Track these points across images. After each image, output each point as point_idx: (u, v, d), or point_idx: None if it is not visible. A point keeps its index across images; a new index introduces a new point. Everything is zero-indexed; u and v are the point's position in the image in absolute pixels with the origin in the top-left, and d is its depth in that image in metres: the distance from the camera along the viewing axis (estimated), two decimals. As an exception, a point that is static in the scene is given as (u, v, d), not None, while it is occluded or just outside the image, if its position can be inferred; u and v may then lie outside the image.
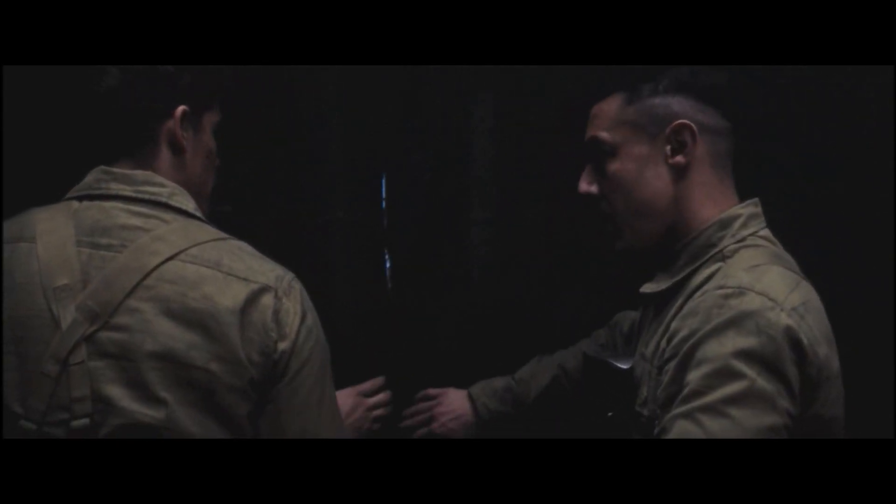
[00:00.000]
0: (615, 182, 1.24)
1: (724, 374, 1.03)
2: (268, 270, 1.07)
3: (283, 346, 1.04)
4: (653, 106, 1.22)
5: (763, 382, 1.02)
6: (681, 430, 1.03)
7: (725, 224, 1.19)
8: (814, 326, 1.08)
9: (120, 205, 1.07)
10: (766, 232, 1.22)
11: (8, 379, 1.00)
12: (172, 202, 1.09)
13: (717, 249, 1.18)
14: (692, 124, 1.20)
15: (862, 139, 1.65)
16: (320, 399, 1.09)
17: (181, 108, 1.11)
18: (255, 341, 1.03)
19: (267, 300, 1.04)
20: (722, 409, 1.02)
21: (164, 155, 1.12)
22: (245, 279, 1.05)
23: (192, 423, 1.01)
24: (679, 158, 1.20)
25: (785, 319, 1.05)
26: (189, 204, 1.11)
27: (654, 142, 1.21)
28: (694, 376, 1.05)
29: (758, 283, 1.08)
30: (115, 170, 1.10)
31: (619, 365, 1.31)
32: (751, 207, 1.22)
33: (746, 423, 1.01)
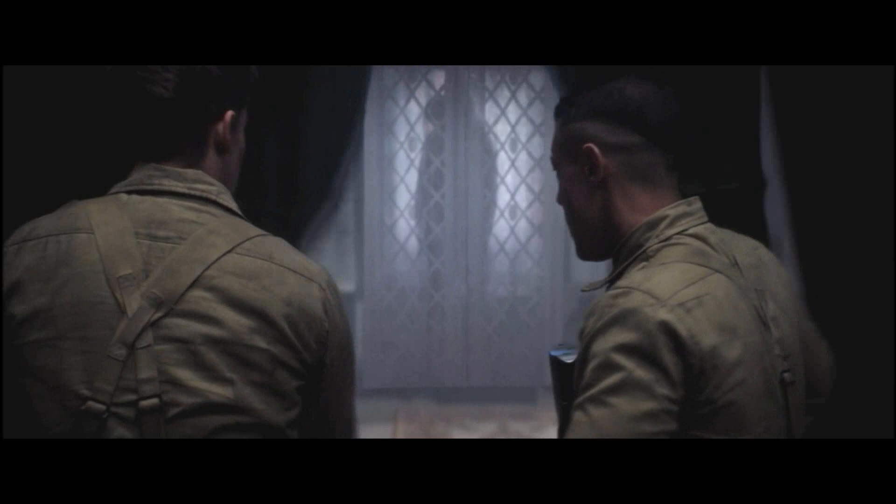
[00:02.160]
0: (561, 198, 1.35)
1: (606, 366, 1.13)
2: (309, 264, 1.15)
3: (331, 333, 1.13)
4: (572, 129, 1.30)
5: (641, 373, 1.11)
6: (575, 419, 1.13)
7: (652, 225, 1.26)
8: (702, 319, 1.15)
9: (173, 200, 1.12)
10: (697, 229, 1.25)
11: (71, 363, 1.05)
12: (220, 200, 1.15)
13: (642, 250, 1.25)
14: (594, 147, 1.27)
15: (862, 139, 1.65)
16: (352, 378, 1.22)
17: (230, 112, 1.16)
18: (308, 328, 1.11)
19: (316, 291, 1.13)
20: (603, 398, 1.11)
21: (210, 154, 1.17)
22: (294, 271, 1.12)
23: (256, 401, 1.08)
24: (592, 178, 1.29)
25: (662, 315, 1.13)
26: (232, 203, 1.17)
27: (576, 162, 1.30)
28: (586, 370, 1.15)
29: (645, 283, 1.17)
30: (168, 167, 1.14)
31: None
32: (681, 207, 1.26)
33: (623, 409, 1.10)
